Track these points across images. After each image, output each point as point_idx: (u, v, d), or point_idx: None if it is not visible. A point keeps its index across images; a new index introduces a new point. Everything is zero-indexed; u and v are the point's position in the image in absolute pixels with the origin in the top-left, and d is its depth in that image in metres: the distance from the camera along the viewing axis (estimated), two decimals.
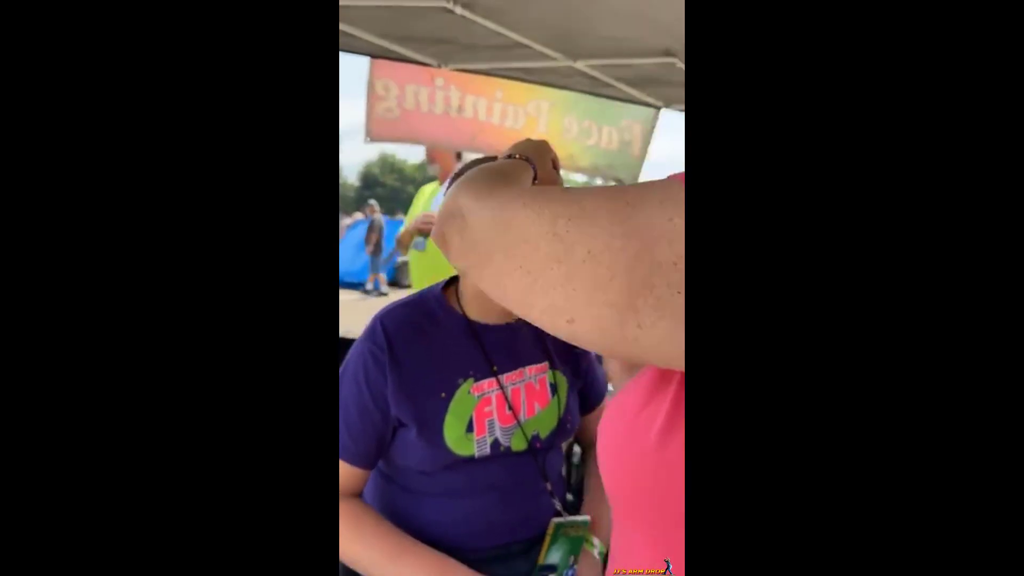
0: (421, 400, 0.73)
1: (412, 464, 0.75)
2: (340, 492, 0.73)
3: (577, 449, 1.05)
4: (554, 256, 0.33)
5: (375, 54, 1.45)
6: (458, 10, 1.22)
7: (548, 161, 0.60)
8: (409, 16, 1.29)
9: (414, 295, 0.81)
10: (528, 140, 0.61)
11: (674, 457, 0.33)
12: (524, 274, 0.35)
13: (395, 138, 2.90)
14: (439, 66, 1.53)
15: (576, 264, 0.31)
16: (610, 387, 1.00)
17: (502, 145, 2.96)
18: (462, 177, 0.45)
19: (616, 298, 0.30)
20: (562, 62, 1.56)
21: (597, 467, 0.87)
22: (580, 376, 0.88)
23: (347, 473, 0.72)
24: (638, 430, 0.36)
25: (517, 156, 0.56)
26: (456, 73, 1.99)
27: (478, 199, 0.40)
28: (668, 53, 1.54)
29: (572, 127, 2.61)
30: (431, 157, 2.23)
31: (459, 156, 2.29)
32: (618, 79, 1.72)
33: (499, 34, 1.37)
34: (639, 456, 0.35)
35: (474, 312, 0.78)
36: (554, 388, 0.82)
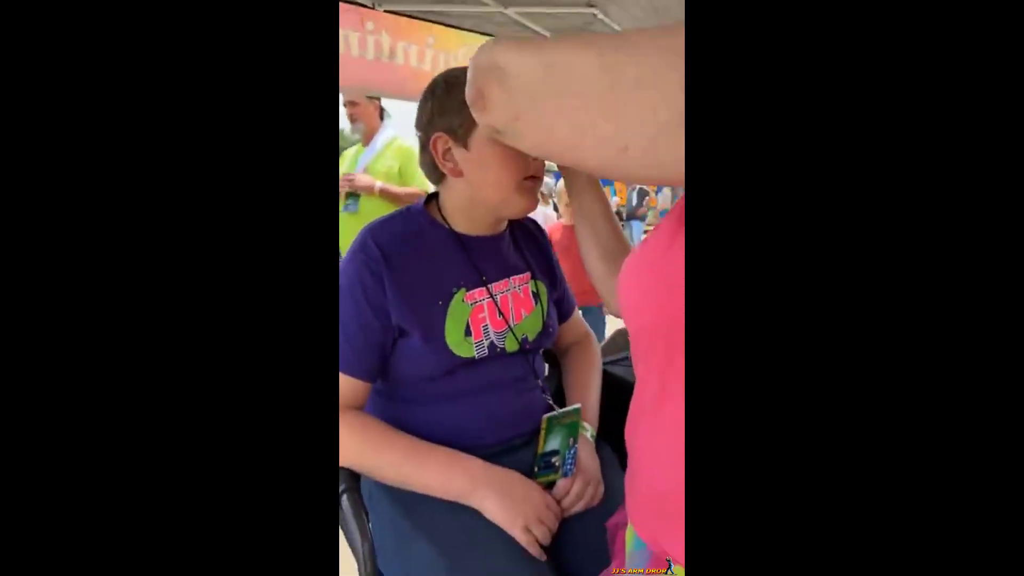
0: (421, 307, 0.75)
1: (416, 372, 0.78)
2: (347, 405, 0.75)
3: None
4: (604, 87, 0.34)
5: None
6: None
7: None
8: None
9: (395, 212, 0.83)
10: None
11: None
12: (573, 110, 0.35)
13: None
14: (373, 6, 1.55)
15: (627, 92, 0.32)
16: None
17: None
18: (486, 43, 0.43)
19: (668, 117, 0.30)
20: (494, 7, 1.63)
21: (573, 369, 0.96)
22: (556, 288, 0.96)
23: (352, 387, 0.75)
24: (668, 269, 0.40)
25: None
26: (387, 16, 2.00)
27: (517, 51, 0.40)
28: (590, 4, 1.66)
29: None
30: (354, 117, 2.18)
31: (382, 114, 2.23)
32: (546, 28, 1.82)
33: None
34: (674, 290, 0.37)
35: (459, 225, 0.81)
36: (536, 296, 0.87)
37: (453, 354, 0.76)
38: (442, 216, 0.81)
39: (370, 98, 2.17)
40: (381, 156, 2.19)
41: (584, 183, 0.73)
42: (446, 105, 0.72)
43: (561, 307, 0.96)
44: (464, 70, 0.55)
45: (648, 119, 0.32)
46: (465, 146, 0.73)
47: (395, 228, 0.79)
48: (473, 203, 0.79)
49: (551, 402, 0.87)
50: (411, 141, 2.17)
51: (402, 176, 2.14)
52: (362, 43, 2.60)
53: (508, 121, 0.41)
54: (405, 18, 1.71)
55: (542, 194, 3.14)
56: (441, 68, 2.85)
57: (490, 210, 0.80)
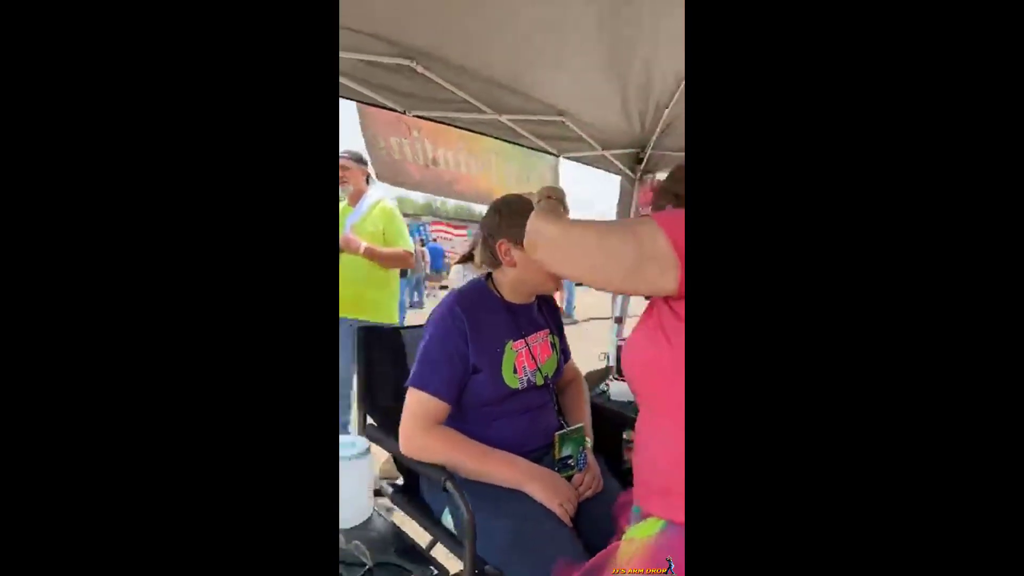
0: (488, 352, 1.15)
1: (481, 399, 1.15)
2: (436, 420, 1.11)
3: None
4: (593, 249, 0.71)
5: (356, 99, 1.98)
6: (419, 68, 1.78)
7: (564, 199, 1.08)
8: (382, 70, 1.85)
9: (465, 286, 1.22)
10: (551, 187, 1.07)
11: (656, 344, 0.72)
12: (579, 258, 0.74)
13: (396, 182, 3.54)
14: (404, 112, 2.08)
15: (606, 255, 0.70)
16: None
17: (473, 190, 3.74)
18: (534, 212, 0.88)
19: (630, 263, 0.66)
20: (491, 115, 2.15)
21: (570, 399, 1.39)
22: (562, 340, 1.36)
23: (440, 407, 1.10)
24: (630, 347, 0.77)
25: (550, 197, 1.03)
26: (427, 124, 2.57)
27: (545, 221, 0.82)
28: (560, 113, 2.15)
29: (511, 174, 3.38)
30: (343, 179, 2.37)
31: (368, 179, 2.46)
32: (528, 131, 2.32)
33: (448, 91, 1.95)
34: (635, 357, 0.76)
35: (507, 295, 1.24)
36: (553, 346, 1.29)
37: (507, 385, 1.16)
38: (496, 289, 1.25)
39: (359, 163, 2.46)
40: (368, 217, 2.39)
41: None
42: (510, 221, 1.16)
43: (563, 354, 1.37)
44: (517, 196, 1.18)
45: (620, 264, 0.66)
46: (521, 248, 1.15)
47: (469, 298, 1.20)
48: (519, 283, 1.22)
49: (562, 422, 1.29)
50: (392, 203, 2.47)
51: (386, 237, 2.37)
52: (412, 149, 3.26)
53: (547, 259, 0.82)
54: (441, 124, 2.24)
55: None
56: (474, 169, 3.48)
57: (530, 287, 1.24)
